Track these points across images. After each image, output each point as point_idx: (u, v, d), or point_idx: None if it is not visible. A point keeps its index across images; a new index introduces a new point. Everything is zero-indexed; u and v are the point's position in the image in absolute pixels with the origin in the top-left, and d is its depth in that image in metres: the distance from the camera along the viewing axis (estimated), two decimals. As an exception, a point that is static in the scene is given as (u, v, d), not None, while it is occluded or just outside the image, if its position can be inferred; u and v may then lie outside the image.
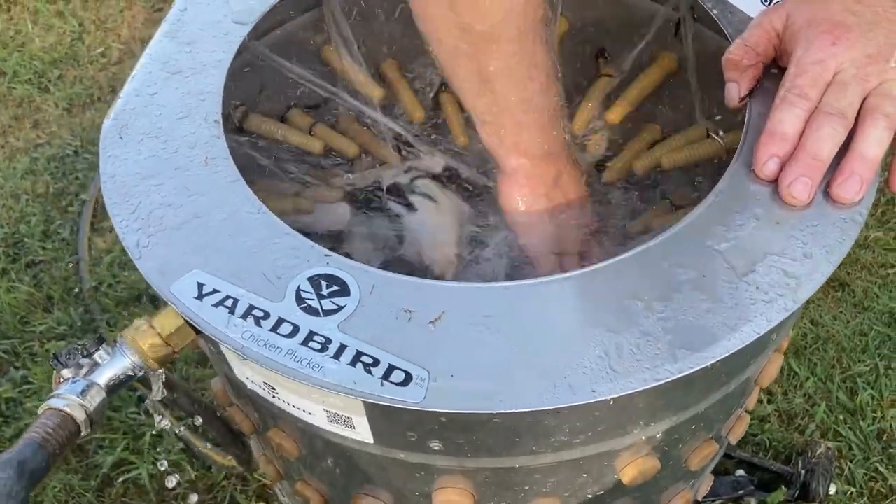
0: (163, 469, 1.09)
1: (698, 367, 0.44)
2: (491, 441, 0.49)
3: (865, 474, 1.14)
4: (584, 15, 0.80)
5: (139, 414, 1.24)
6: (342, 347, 0.45)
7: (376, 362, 0.45)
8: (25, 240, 1.44)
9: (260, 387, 0.52)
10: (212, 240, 0.50)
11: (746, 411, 0.69)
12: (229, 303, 0.47)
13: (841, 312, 1.29)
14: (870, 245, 1.36)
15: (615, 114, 0.75)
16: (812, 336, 1.26)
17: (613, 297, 0.47)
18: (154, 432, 1.22)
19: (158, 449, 1.23)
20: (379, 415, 0.48)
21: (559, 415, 0.47)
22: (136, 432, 1.24)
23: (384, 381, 0.44)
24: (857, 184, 0.49)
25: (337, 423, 0.50)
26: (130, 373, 0.50)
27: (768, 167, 0.50)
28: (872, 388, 1.21)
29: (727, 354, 0.44)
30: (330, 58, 0.77)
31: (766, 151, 0.50)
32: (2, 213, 1.48)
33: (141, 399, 1.22)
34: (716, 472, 1.16)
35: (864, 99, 0.50)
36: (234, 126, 0.74)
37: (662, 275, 0.48)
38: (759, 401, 1.21)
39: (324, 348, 0.45)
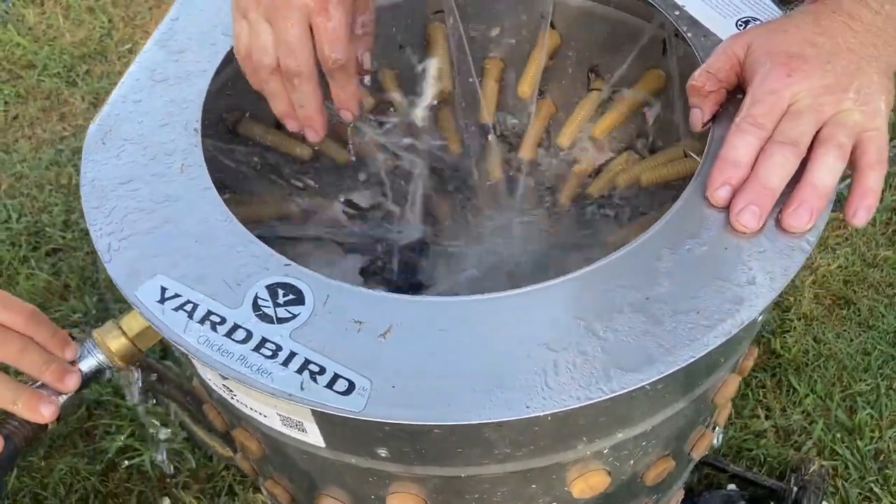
0: (160, 459, 1.12)
1: (631, 388, 0.45)
2: (435, 450, 0.51)
3: (860, 494, 1.13)
4: (578, 30, 0.81)
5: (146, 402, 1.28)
6: (292, 355, 0.47)
7: (322, 370, 0.47)
8: (47, 229, 1.48)
9: (220, 389, 0.54)
10: (180, 245, 0.53)
11: (715, 426, 0.69)
12: (189, 307, 0.49)
13: (845, 330, 1.28)
14: (878, 264, 1.34)
15: (599, 129, 0.76)
16: (814, 353, 1.26)
17: (558, 315, 0.48)
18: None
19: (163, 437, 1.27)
20: (326, 421, 0.50)
21: (500, 428, 0.48)
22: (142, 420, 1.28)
23: (328, 390, 0.46)
24: (807, 213, 0.50)
25: (290, 426, 0.52)
26: (99, 370, 0.53)
27: (720, 194, 0.51)
28: (872, 408, 1.20)
29: (660, 377, 0.45)
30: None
31: (718, 178, 0.51)
32: (25, 202, 1.53)
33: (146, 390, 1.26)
34: (707, 485, 1.16)
35: (820, 129, 0.51)
36: (228, 130, 0.76)
37: (607, 295, 0.49)
38: (756, 416, 1.21)
39: (274, 355, 0.47)
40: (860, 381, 1.22)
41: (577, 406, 0.44)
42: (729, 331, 0.46)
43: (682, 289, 0.49)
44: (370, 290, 0.50)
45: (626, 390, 0.45)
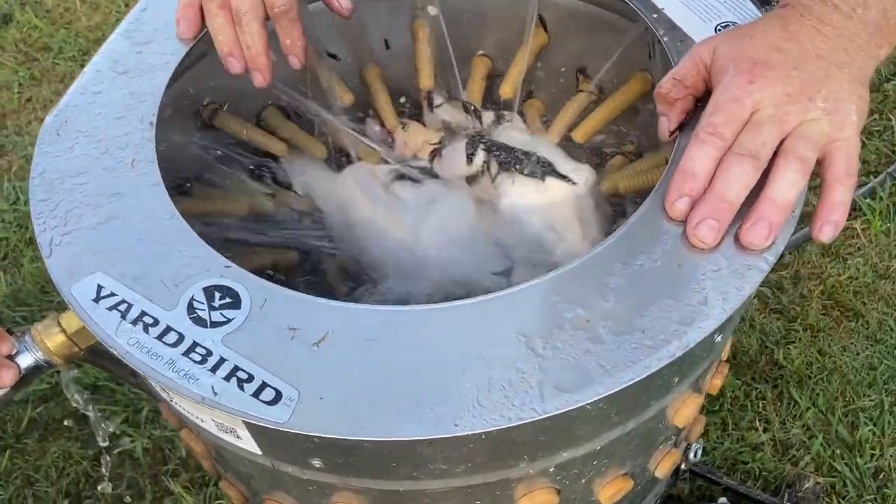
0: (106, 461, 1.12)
1: (566, 410, 0.43)
2: (369, 464, 0.49)
3: (857, 513, 1.10)
4: (566, 30, 0.78)
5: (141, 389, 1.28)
6: (221, 361, 0.46)
7: (251, 378, 0.45)
8: (53, 212, 1.49)
9: (161, 390, 0.53)
10: (122, 243, 0.52)
11: (687, 444, 0.67)
12: (123, 307, 0.48)
13: (851, 343, 1.24)
14: (891, 276, 1.30)
15: (581, 133, 0.74)
16: (818, 366, 1.22)
17: (498, 329, 0.46)
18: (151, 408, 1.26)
19: (156, 424, 1.27)
20: (257, 430, 0.49)
21: (431, 444, 0.47)
22: (137, 406, 1.28)
23: (254, 399, 0.44)
24: (766, 229, 0.47)
25: (225, 432, 0.51)
26: (36, 367, 0.52)
27: (678, 206, 0.49)
28: (874, 425, 1.16)
29: (597, 399, 0.43)
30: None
31: (676, 190, 0.49)
32: (33, 185, 1.54)
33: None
34: (699, 497, 1.14)
35: (784, 139, 0.48)
36: (203, 123, 0.75)
37: (551, 310, 0.47)
38: (754, 428, 1.18)
39: (203, 360, 0.46)
40: (864, 396, 1.19)
41: (507, 426, 0.43)
42: (673, 353, 0.44)
43: (630, 306, 0.46)
44: (308, 296, 0.48)
45: (559, 412, 0.43)
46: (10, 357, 0.52)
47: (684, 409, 0.56)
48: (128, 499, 1.13)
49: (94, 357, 0.58)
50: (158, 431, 1.25)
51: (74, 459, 1.23)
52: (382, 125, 0.81)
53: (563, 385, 0.44)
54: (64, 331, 0.52)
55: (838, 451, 1.14)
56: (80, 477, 1.22)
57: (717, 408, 1.18)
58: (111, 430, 1.21)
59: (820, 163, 0.49)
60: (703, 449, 1.12)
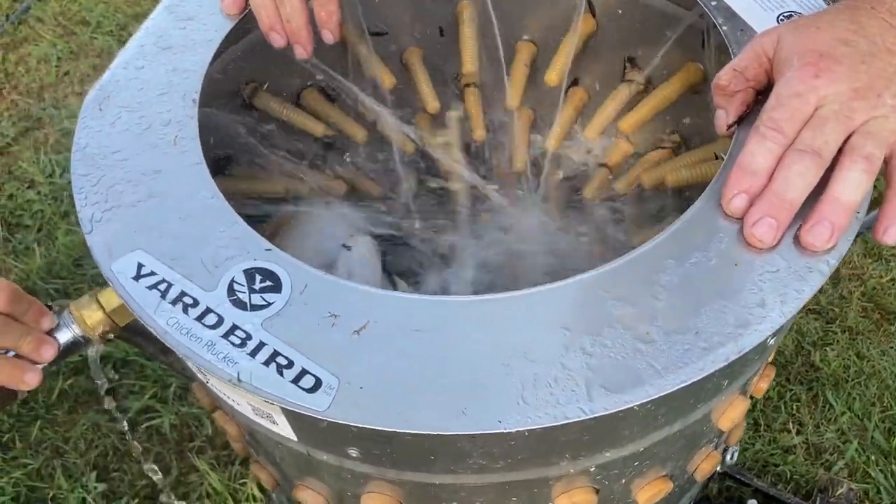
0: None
1: (613, 411, 0.41)
2: (408, 455, 0.48)
3: (891, 521, 1.08)
4: (615, 16, 0.76)
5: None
6: (261, 345, 0.45)
7: (290, 364, 0.44)
8: (87, 186, 1.50)
9: (198, 371, 0.53)
10: (162, 221, 0.51)
11: (727, 446, 0.65)
12: (163, 286, 0.48)
13: (891, 347, 1.22)
14: (936, 278, 1.27)
15: (628, 123, 0.72)
16: (855, 369, 1.20)
17: (544, 324, 0.45)
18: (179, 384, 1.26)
19: (183, 401, 1.27)
20: (294, 416, 0.48)
21: (473, 439, 0.46)
22: (165, 382, 1.28)
23: (294, 385, 0.44)
24: (828, 230, 0.45)
25: (261, 417, 0.50)
26: (74, 342, 0.52)
27: (735, 203, 0.47)
28: (912, 432, 1.13)
29: (647, 400, 0.42)
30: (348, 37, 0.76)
31: (733, 186, 0.47)
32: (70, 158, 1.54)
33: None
34: (727, 498, 1.12)
35: (849, 137, 0.46)
36: (243, 102, 0.74)
37: (599, 306, 0.45)
38: (787, 430, 1.16)
39: (243, 344, 0.45)
40: (902, 402, 1.16)
41: (552, 425, 0.41)
42: (727, 356, 0.43)
43: (683, 306, 0.45)
44: (349, 283, 0.47)
45: (607, 412, 0.41)
46: (50, 332, 0.52)
47: (730, 412, 0.54)
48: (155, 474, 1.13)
49: (130, 334, 0.58)
50: (186, 408, 1.26)
51: (103, 432, 1.24)
52: (423, 109, 0.80)
53: (612, 385, 0.42)
54: (102, 307, 0.51)
55: (873, 458, 1.12)
56: (108, 450, 1.22)
57: (749, 408, 1.16)
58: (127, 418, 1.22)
59: (887, 162, 0.47)
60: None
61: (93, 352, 0.53)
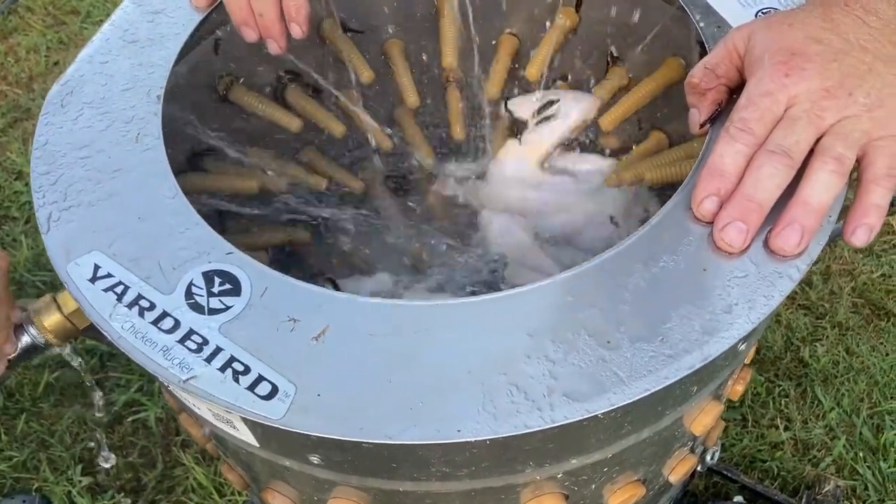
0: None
1: (575, 419, 0.40)
2: (368, 463, 0.47)
3: (877, 518, 1.07)
4: (597, 10, 0.75)
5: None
6: (217, 350, 0.44)
7: (247, 370, 0.43)
8: (74, 177, 1.49)
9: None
10: (121, 221, 0.50)
11: (704, 448, 0.64)
12: (119, 289, 0.47)
13: (881, 343, 1.20)
14: (927, 274, 1.26)
15: (608, 120, 0.71)
16: (844, 365, 1.19)
17: (508, 330, 0.44)
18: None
19: (169, 395, 1.27)
20: (252, 423, 0.47)
21: (433, 448, 0.45)
22: (151, 375, 1.28)
23: (249, 392, 0.43)
24: (797, 234, 0.44)
25: (222, 422, 0.49)
26: (34, 346, 0.51)
27: (705, 206, 0.46)
28: (901, 428, 1.13)
29: (610, 409, 0.41)
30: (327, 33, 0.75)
31: (703, 189, 0.46)
32: (56, 148, 1.53)
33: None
34: (714, 494, 1.11)
35: (820, 138, 0.45)
36: (219, 96, 0.73)
37: (565, 312, 0.44)
38: (775, 426, 1.15)
39: (199, 349, 0.44)
40: (891, 398, 1.15)
41: (512, 434, 0.40)
42: (692, 364, 0.41)
43: (649, 311, 0.44)
44: (311, 286, 0.46)
45: (568, 421, 0.40)
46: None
47: (703, 417, 0.53)
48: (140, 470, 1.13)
49: (95, 334, 0.57)
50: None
51: (89, 426, 1.23)
52: (402, 101, 0.79)
53: (574, 393, 0.41)
54: (60, 309, 0.50)
55: (861, 454, 1.11)
56: (95, 444, 1.22)
57: (737, 404, 1.15)
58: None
59: (859, 162, 0.45)
60: (722, 445, 1.10)
61: (67, 351, 0.52)
